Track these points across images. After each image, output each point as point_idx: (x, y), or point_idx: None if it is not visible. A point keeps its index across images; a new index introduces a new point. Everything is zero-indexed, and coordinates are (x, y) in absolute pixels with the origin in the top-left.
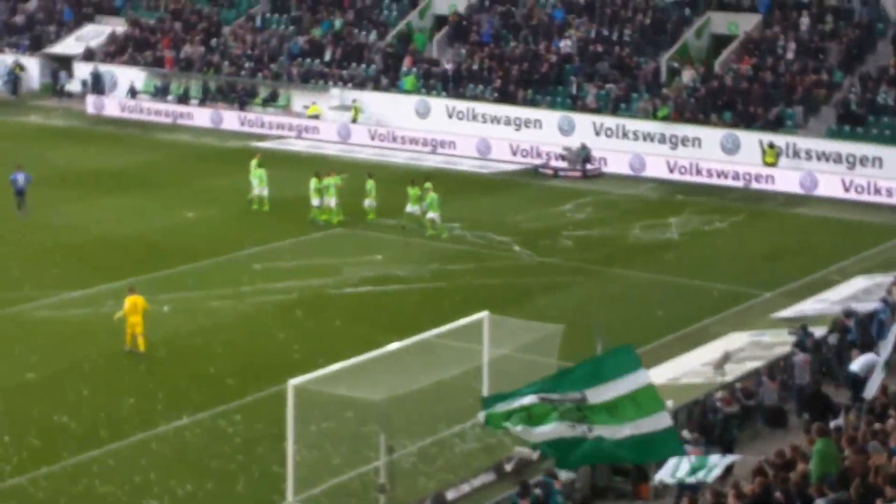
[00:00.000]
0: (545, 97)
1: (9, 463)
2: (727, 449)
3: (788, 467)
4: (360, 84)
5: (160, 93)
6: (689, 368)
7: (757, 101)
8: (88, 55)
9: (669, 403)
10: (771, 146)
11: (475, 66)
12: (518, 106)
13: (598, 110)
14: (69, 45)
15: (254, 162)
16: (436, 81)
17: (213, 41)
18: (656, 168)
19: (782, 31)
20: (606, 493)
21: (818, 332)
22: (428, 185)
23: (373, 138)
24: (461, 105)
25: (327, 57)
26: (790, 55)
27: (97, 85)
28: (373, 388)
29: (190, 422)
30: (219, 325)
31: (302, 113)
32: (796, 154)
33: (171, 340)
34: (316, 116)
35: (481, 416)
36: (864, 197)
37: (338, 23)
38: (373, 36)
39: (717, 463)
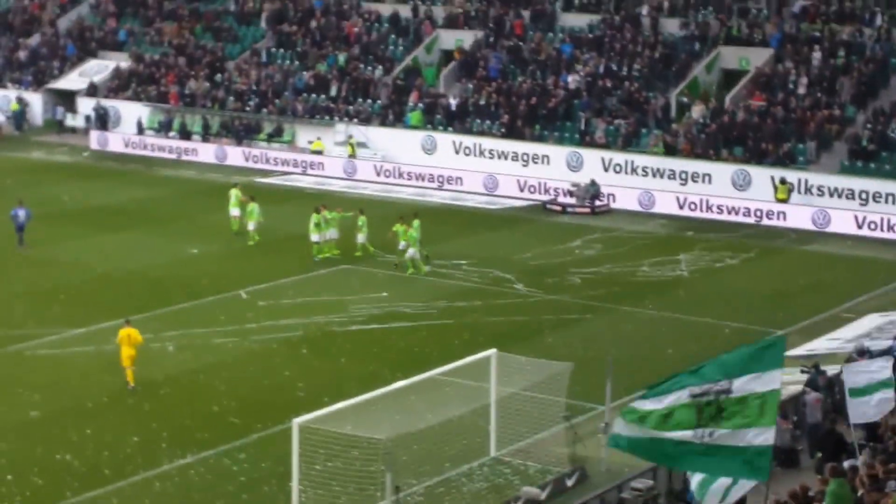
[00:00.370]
0: (553, 132)
1: (12, 502)
2: None
3: None
4: (366, 119)
5: (164, 128)
6: None
7: (768, 137)
8: (92, 90)
9: None
10: (783, 182)
11: (482, 102)
12: (526, 141)
13: (606, 146)
14: (72, 81)
15: (234, 192)
16: (442, 117)
17: (218, 76)
18: (666, 204)
19: (794, 66)
20: None
21: (831, 370)
22: (416, 222)
23: (378, 174)
24: (468, 140)
25: (333, 92)
26: (802, 90)
27: (100, 120)
28: (379, 427)
29: (194, 460)
30: (223, 363)
31: (307, 149)
32: (808, 190)
33: (175, 378)
34: (319, 152)
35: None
36: (878, 234)
37: (342, 58)
38: (378, 71)
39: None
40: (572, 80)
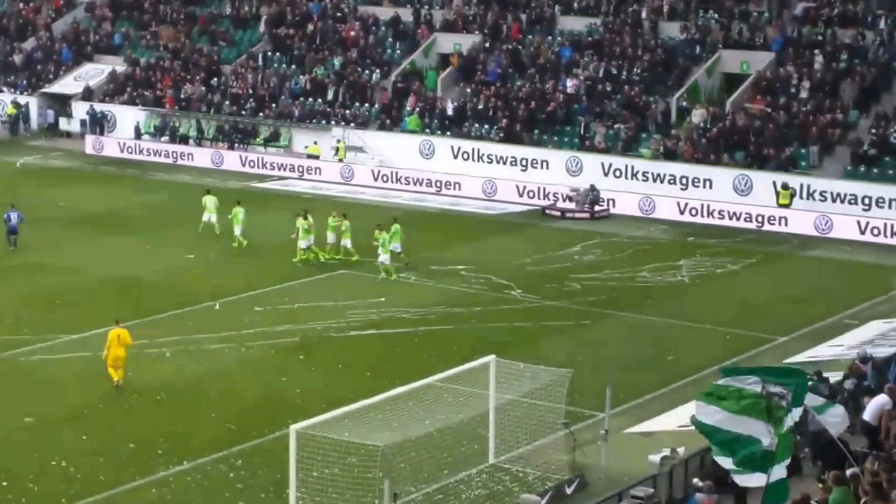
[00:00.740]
0: (552, 137)
1: None
2: (740, 498)
3: None
4: (363, 124)
5: (160, 132)
6: None
7: (770, 141)
8: (87, 94)
9: (681, 451)
10: (785, 187)
11: (481, 106)
12: (525, 146)
13: (606, 150)
14: (68, 85)
15: (206, 198)
16: (440, 121)
17: (214, 80)
18: (666, 209)
19: (796, 70)
20: None
21: (833, 377)
22: (395, 226)
23: (376, 179)
24: (466, 145)
25: (330, 96)
26: (804, 94)
27: (96, 125)
28: (377, 434)
29: (190, 467)
30: (220, 369)
31: (303, 153)
32: (811, 195)
33: (171, 384)
34: (315, 156)
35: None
36: (881, 239)
37: (338, 62)
38: (376, 75)
39: None
40: (572, 84)
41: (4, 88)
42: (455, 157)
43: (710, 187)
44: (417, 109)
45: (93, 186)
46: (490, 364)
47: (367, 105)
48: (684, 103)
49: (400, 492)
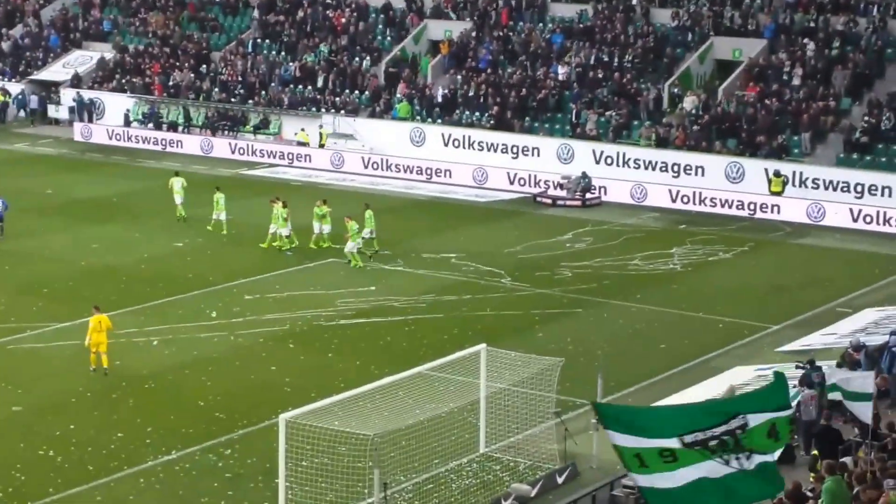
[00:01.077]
0: (543, 124)
1: None
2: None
3: None
4: (354, 111)
5: (149, 120)
6: None
7: (762, 129)
8: (76, 81)
9: None
10: (777, 174)
11: (471, 93)
12: (516, 133)
13: (597, 138)
14: (56, 72)
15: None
16: (430, 108)
17: (203, 67)
18: (658, 197)
19: (788, 57)
20: None
21: (826, 365)
22: (368, 212)
23: (366, 166)
24: (457, 132)
25: (320, 83)
26: (796, 81)
27: (84, 111)
28: (367, 423)
29: (179, 456)
30: (209, 358)
31: (293, 140)
32: (803, 183)
33: (159, 373)
34: (305, 144)
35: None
36: (873, 227)
37: (325, 48)
38: (366, 62)
39: None
40: (563, 71)
41: None
42: (446, 144)
43: (703, 175)
44: (406, 96)
45: (81, 174)
46: (481, 352)
47: (357, 92)
48: (676, 90)
49: (390, 481)
